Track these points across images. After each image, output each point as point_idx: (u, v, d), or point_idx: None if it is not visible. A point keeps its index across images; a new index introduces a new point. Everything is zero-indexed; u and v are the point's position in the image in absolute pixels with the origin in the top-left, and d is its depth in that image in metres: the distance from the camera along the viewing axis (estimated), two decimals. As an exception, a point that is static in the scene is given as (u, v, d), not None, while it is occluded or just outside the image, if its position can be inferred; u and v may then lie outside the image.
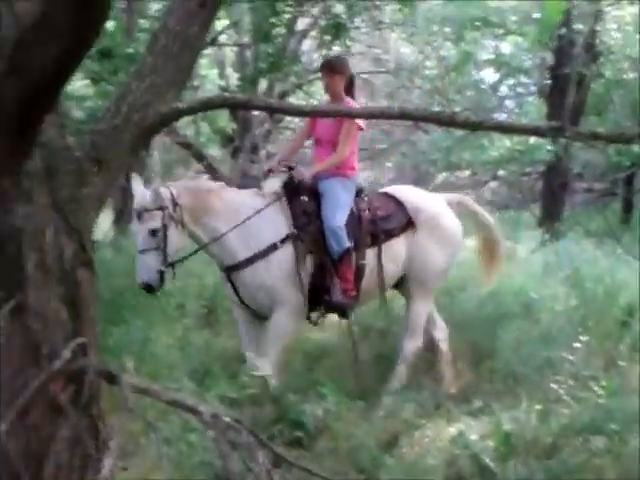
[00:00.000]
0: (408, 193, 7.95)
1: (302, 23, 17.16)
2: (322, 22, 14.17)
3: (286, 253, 7.05)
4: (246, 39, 18.21)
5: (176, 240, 6.80)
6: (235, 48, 20.00)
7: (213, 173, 20.13)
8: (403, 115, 5.09)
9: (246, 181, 15.79)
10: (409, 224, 7.69)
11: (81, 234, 4.85)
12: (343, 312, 7.47)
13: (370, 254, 7.52)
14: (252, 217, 7.04)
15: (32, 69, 4.02)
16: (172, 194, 6.75)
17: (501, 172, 20.58)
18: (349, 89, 7.41)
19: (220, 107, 6.70)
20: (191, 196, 6.88)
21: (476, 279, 9.29)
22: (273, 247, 7.00)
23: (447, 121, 4.90)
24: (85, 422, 4.67)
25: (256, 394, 7.02)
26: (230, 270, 7.17)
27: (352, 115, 6.57)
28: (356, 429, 6.75)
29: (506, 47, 20.03)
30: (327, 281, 7.21)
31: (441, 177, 21.93)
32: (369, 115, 5.96)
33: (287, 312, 7.12)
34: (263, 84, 17.59)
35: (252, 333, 7.47)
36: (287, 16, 13.89)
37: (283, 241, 7.05)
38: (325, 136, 7.41)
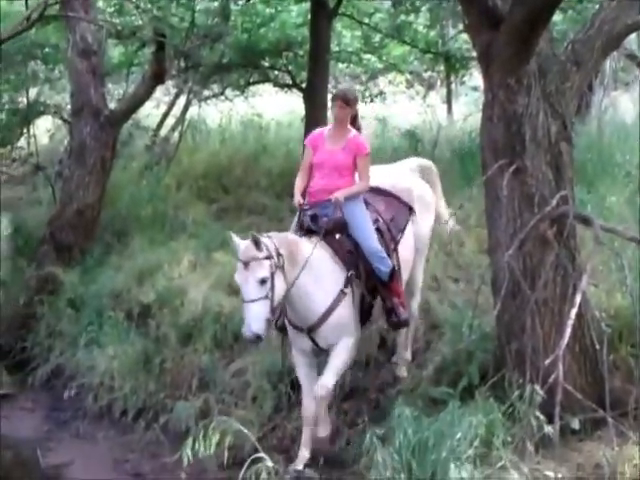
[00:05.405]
0: (385, 179, 5.94)
1: None
2: None
3: (349, 294, 5.33)
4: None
5: (280, 289, 5.00)
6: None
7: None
8: None
9: None
10: (411, 211, 5.89)
11: (564, 117, 4.86)
12: (407, 324, 5.75)
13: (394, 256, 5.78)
14: (324, 271, 5.30)
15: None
16: (274, 244, 5.04)
17: None
18: (353, 123, 5.58)
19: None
20: (287, 247, 5.13)
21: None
22: (342, 294, 5.27)
23: None
24: (565, 252, 4.74)
25: None
26: (313, 328, 5.29)
27: None
28: None
29: None
30: (387, 304, 5.55)
31: None
32: None
33: (354, 341, 5.39)
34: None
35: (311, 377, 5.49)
36: None
37: (346, 285, 5.31)
38: (328, 162, 5.48)
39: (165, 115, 12.59)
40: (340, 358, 5.29)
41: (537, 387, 4.11)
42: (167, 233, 8.53)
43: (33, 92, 11.35)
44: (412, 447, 4.16)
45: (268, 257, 4.94)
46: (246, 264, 4.91)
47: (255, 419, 5.64)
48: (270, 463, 4.39)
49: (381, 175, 5.86)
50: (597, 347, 4.64)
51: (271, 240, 5.04)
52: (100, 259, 8.15)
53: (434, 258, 7.02)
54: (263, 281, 4.88)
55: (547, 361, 3.84)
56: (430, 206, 6.10)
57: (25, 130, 11.28)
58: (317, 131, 5.65)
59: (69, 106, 9.70)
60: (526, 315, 4.57)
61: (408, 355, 6.04)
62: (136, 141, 11.67)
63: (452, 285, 6.93)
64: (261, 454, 4.39)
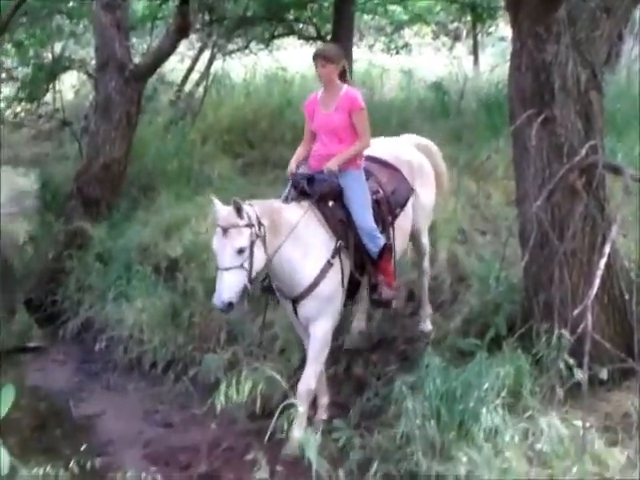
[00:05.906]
0: (388, 150, 5.78)
1: None
2: None
3: (337, 265, 5.12)
4: None
5: (260, 259, 4.80)
6: None
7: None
8: None
9: None
10: (412, 190, 5.71)
11: (593, 65, 4.76)
12: (389, 304, 5.55)
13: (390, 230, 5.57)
14: (311, 241, 5.08)
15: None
16: (256, 212, 4.82)
17: None
18: (342, 78, 5.25)
19: None
20: (269, 215, 4.90)
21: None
22: (328, 265, 5.07)
23: None
24: (594, 202, 4.69)
25: None
26: (297, 299, 5.11)
27: None
28: None
29: None
30: (372, 280, 5.34)
31: None
32: None
33: (332, 324, 5.15)
34: None
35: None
36: None
37: (333, 255, 5.10)
38: (324, 127, 5.25)
39: (190, 70, 12.56)
40: (316, 349, 5.08)
41: (565, 332, 4.12)
42: (193, 188, 8.56)
43: (58, 47, 11.35)
44: (440, 396, 4.20)
45: (249, 225, 4.74)
46: (225, 231, 4.71)
47: (283, 371, 5.70)
48: (302, 409, 4.44)
49: (382, 147, 5.68)
50: (626, 297, 4.65)
51: (253, 208, 4.82)
52: (127, 214, 8.20)
53: (461, 211, 7.00)
54: (241, 250, 4.70)
55: (575, 312, 3.81)
56: (430, 177, 5.96)
57: (51, 86, 11.29)
58: (311, 95, 5.43)
59: (94, 61, 9.70)
60: (554, 266, 4.54)
61: (429, 309, 6.02)
62: (161, 96, 11.67)
63: (479, 237, 6.91)
64: (293, 400, 4.45)
